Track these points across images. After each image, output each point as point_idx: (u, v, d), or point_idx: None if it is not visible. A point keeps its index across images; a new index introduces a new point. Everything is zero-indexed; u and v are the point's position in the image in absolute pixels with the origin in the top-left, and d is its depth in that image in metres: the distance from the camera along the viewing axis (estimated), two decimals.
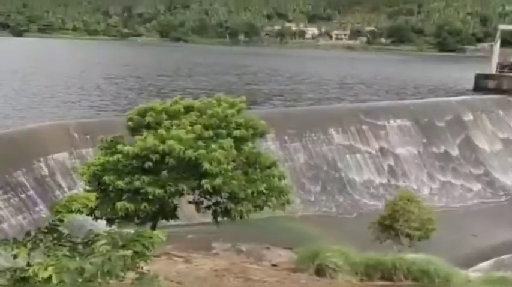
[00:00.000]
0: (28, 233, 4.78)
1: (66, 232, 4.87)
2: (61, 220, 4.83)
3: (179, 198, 10.44)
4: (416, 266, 10.28)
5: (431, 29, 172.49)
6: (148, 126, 10.25)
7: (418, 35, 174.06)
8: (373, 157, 25.65)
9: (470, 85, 41.67)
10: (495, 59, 40.51)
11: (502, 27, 45.99)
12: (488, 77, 39.67)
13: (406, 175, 26.15)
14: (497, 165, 29.68)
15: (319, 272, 10.48)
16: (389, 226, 13.59)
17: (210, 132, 9.84)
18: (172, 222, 10.90)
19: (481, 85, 39.47)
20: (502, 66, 39.99)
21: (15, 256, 4.49)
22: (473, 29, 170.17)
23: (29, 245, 4.59)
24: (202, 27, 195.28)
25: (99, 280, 4.31)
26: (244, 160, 10.25)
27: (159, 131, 9.76)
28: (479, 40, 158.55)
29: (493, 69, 40.13)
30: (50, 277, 4.15)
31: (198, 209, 10.74)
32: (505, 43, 43.05)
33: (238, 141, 10.07)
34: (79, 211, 5.32)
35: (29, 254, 4.52)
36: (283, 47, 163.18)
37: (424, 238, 13.59)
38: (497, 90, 36.86)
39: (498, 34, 41.62)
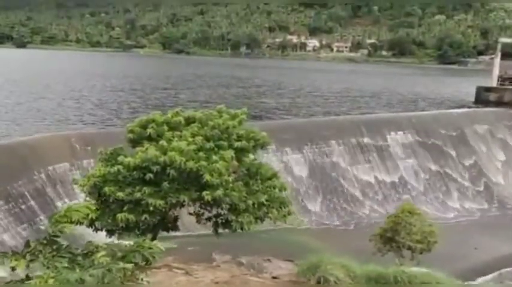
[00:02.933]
0: (27, 245, 4.76)
1: (65, 243, 4.85)
2: (61, 231, 4.81)
3: (180, 209, 10.43)
4: (417, 279, 10.18)
5: (432, 41, 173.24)
6: (149, 138, 10.27)
7: (418, 47, 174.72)
8: (374, 169, 25.61)
9: (472, 98, 41.72)
10: (496, 72, 40.55)
11: (503, 40, 46.17)
12: (489, 89, 39.68)
13: (407, 186, 26.08)
14: (501, 178, 29.60)
15: (320, 284, 10.39)
16: (391, 238, 13.50)
17: (211, 144, 9.85)
18: (172, 233, 10.87)
19: (482, 98, 39.49)
20: (502, 79, 40.03)
21: (13, 268, 4.46)
22: (473, 41, 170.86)
23: (28, 257, 4.56)
24: (204, 39, 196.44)
25: None
26: (245, 171, 10.25)
27: (161, 142, 9.77)
28: (479, 53, 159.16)
29: (494, 82, 40.17)
30: None
31: (198, 221, 10.72)
32: (505, 56, 43.12)
33: (239, 152, 10.08)
34: (79, 222, 5.30)
35: (27, 266, 4.49)
36: (285, 59, 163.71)
37: (425, 251, 13.49)
38: (498, 103, 36.91)
39: (499, 47, 41.77)
